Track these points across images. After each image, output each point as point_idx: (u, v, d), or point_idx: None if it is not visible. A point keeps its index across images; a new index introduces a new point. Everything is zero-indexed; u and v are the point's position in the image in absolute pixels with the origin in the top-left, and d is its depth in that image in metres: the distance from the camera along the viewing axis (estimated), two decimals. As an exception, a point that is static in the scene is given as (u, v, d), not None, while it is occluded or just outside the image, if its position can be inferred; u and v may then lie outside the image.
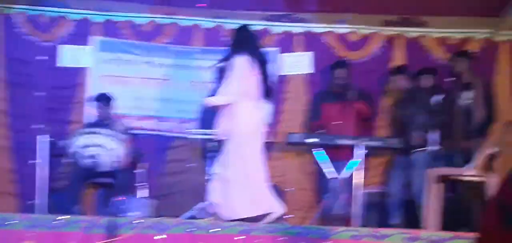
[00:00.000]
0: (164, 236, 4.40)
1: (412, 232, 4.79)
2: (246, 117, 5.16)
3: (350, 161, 5.89)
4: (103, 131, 5.96)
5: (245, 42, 5.25)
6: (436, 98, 5.98)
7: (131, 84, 6.86)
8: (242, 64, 5.11)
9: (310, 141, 6.08)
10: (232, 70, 5.10)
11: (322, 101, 6.47)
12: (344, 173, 5.94)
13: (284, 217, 5.32)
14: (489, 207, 0.78)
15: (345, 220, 5.93)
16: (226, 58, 5.22)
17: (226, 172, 5.11)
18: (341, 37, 6.93)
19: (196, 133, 6.04)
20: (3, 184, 6.57)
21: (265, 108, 5.32)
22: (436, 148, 5.92)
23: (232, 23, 6.87)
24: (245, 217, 5.00)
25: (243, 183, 5.06)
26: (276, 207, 5.14)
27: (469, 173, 5.28)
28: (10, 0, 6.71)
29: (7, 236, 4.29)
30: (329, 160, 6.12)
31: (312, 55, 6.88)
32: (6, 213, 4.51)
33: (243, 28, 5.39)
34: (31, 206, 5.28)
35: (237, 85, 5.09)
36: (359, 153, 5.79)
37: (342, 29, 6.92)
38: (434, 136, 5.94)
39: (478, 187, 5.57)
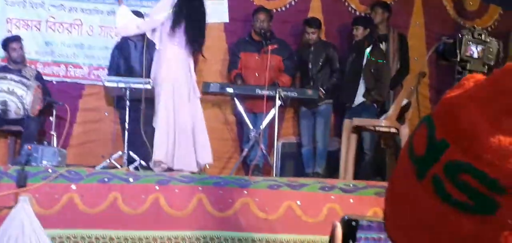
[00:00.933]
0: (75, 188, 4.25)
1: (328, 181, 4.87)
2: (172, 63, 5.10)
3: (268, 112, 5.87)
4: (12, 76, 5.65)
5: None
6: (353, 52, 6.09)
7: (39, 28, 6.52)
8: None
9: (228, 91, 6.01)
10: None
11: (240, 50, 6.40)
12: (262, 124, 5.93)
13: (204, 166, 5.31)
14: (401, 159, 0.75)
15: (263, 170, 5.96)
16: None
17: (156, 121, 5.09)
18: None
19: (110, 80, 5.82)
20: None
21: (191, 56, 5.27)
22: (350, 99, 6.03)
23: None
24: (178, 168, 4.98)
25: (173, 133, 5.04)
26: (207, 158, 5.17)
27: (383, 124, 5.41)
28: None
29: None
30: (247, 109, 6.11)
31: (228, 3, 6.76)
32: None
33: None
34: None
35: (154, 17, 5.14)
36: (276, 103, 5.77)
37: (259, -23, 6.83)
38: (348, 87, 6.04)
39: (391, 137, 5.74)
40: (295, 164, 6.27)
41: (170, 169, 5.00)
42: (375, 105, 5.92)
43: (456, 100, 0.72)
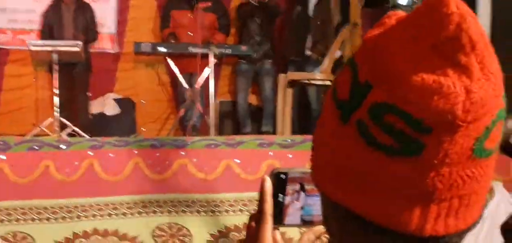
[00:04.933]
0: (5, 158, 4.07)
1: (265, 138, 4.84)
2: None
3: (202, 70, 5.78)
4: None
5: None
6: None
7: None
8: None
9: (160, 50, 5.87)
10: None
11: (172, 8, 6.25)
12: (197, 83, 5.85)
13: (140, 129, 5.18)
14: (326, 104, 0.73)
15: (201, 130, 5.90)
16: None
17: None
18: None
19: (36, 45, 5.58)
20: None
21: None
22: (295, 53, 6.00)
23: None
24: None
25: None
26: None
27: (318, 77, 5.41)
28: None
29: None
30: (181, 69, 5.99)
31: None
32: None
33: None
34: None
35: None
36: (211, 61, 5.69)
37: None
38: (284, 43, 6.01)
39: (326, 90, 5.76)
40: (233, 123, 6.24)
41: None
42: (320, 59, 5.91)
43: (378, 40, 0.69)
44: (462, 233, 0.70)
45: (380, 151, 0.67)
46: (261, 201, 0.93)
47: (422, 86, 0.64)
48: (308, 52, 5.92)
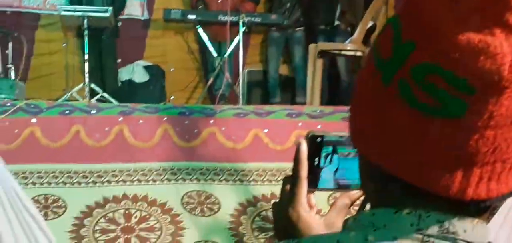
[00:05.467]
0: (35, 121, 4.11)
1: (295, 108, 4.82)
2: None
3: (231, 38, 5.75)
4: None
5: None
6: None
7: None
8: None
9: (190, 17, 5.84)
10: None
11: (201, -24, 6.22)
12: (226, 51, 5.82)
13: (169, 98, 5.17)
14: (366, 63, 0.71)
15: (229, 99, 5.89)
16: None
17: None
18: None
19: (67, 10, 5.58)
20: None
21: None
22: (315, 24, 5.94)
23: None
24: None
25: None
26: None
27: (349, 47, 5.35)
28: None
29: None
30: (210, 37, 5.97)
31: None
32: None
33: None
34: None
35: None
36: (241, 30, 5.65)
37: None
38: (313, 12, 5.94)
39: (357, 61, 5.70)
40: (262, 92, 6.21)
41: None
42: (349, 29, 5.85)
43: None
44: (504, 197, 0.69)
45: (422, 112, 0.66)
46: (295, 163, 0.92)
47: (467, 46, 0.62)
48: (336, 22, 5.85)
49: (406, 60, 0.66)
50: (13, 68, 5.65)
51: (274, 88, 6.11)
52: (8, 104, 4.17)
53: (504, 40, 0.62)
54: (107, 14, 5.48)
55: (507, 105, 0.63)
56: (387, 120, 0.69)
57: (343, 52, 5.42)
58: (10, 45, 5.78)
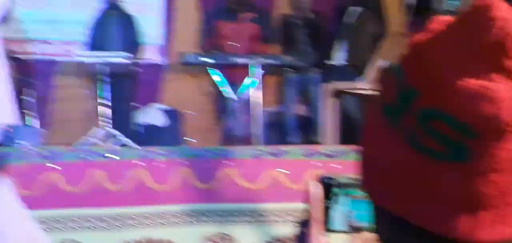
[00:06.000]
0: (58, 168, 4.18)
1: (310, 147, 4.86)
2: None
3: (247, 81, 5.83)
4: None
5: None
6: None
7: (9, 5, 6.37)
8: None
9: (205, 61, 5.93)
10: None
11: (216, 19, 6.31)
12: (242, 93, 5.89)
13: (185, 140, 5.21)
14: (371, 108, 0.74)
15: (245, 140, 5.93)
16: None
17: None
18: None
19: (82, 56, 5.70)
20: None
21: None
22: (329, 63, 6.01)
23: None
24: None
25: None
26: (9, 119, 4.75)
27: (362, 86, 5.40)
28: None
29: None
30: (226, 80, 6.05)
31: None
32: None
33: None
34: None
35: None
36: (255, 71, 5.73)
37: None
38: (326, 52, 6.02)
39: (367, 101, 5.74)
40: (279, 132, 6.25)
41: None
42: (353, 67, 5.91)
43: (423, 45, 0.70)
44: (511, 240, 0.69)
45: (427, 156, 0.67)
46: (309, 206, 0.94)
47: (467, 91, 0.64)
48: (345, 62, 5.92)
49: (410, 106, 0.68)
50: (34, 115, 5.77)
51: (291, 128, 6.16)
52: (29, 150, 4.26)
53: (502, 84, 0.64)
54: (123, 60, 5.58)
55: (508, 149, 0.65)
56: (393, 164, 0.70)
57: (356, 91, 5.47)
58: (31, 92, 5.91)
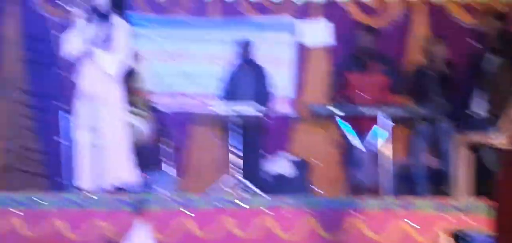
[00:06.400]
0: (191, 215, 4.36)
1: (442, 200, 4.72)
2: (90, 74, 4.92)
3: (376, 131, 5.78)
4: (129, 108, 5.92)
5: None
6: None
7: (149, 59, 6.80)
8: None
9: (335, 111, 5.96)
10: None
11: (345, 70, 6.35)
12: (370, 144, 5.85)
13: (313, 189, 5.21)
14: (506, 160, 0.73)
15: (373, 191, 5.86)
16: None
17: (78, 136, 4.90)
18: (362, 4, 6.80)
19: (218, 107, 5.94)
20: (30, 164, 6.56)
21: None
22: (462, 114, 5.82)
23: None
24: (90, 187, 4.76)
25: (90, 150, 4.80)
26: (126, 178, 4.86)
27: (499, 138, 5.17)
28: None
29: (36, 215, 4.29)
30: (354, 131, 6.05)
31: (332, 23, 6.77)
32: (35, 193, 4.49)
33: None
34: (59, 184, 5.24)
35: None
36: (385, 122, 5.67)
37: (362, -4, 6.81)
38: (459, 102, 5.84)
39: (504, 155, 5.47)
40: (408, 184, 6.11)
41: None
42: (494, 118, 5.67)
43: None
44: None
45: None
46: None
47: None
48: (484, 113, 5.68)
49: None
50: (170, 163, 6.08)
51: (421, 180, 6.00)
52: (166, 197, 4.49)
53: None
54: (255, 111, 5.76)
55: None
56: None
57: (491, 144, 5.24)
58: (168, 141, 6.24)
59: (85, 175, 4.76)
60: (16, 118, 6.64)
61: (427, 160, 6.02)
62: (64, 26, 5.66)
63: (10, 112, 6.64)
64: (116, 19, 4.90)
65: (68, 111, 5.25)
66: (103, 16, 4.90)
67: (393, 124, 5.88)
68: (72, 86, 5.02)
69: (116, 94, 4.91)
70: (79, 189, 4.79)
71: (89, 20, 4.97)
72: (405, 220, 4.40)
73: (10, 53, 6.66)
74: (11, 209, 4.34)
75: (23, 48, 6.67)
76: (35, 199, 4.39)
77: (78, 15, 4.96)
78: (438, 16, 6.74)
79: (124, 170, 4.81)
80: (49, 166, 6.51)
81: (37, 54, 6.51)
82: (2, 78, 6.65)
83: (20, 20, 6.69)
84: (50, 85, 6.45)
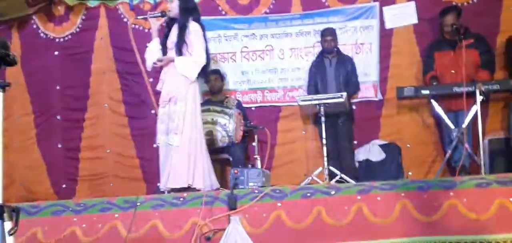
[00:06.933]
0: (284, 207, 4.38)
1: (544, 175, 4.49)
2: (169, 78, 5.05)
3: (469, 109, 5.60)
4: (215, 107, 6.04)
5: None
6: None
7: (234, 59, 6.90)
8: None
9: (424, 92, 5.84)
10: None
11: (434, 51, 6.19)
12: (464, 122, 5.67)
13: (407, 174, 5.11)
14: None
15: (471, 170, 5.69)
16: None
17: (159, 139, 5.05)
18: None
19: (304, 99, 5.94)
20: (130, 170, 6.82)
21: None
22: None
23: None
24: (167, 188, 4.91)
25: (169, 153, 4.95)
26: (198, 183, 4.95)
27: None
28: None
29: (136, 216, 4.44)
30: (445, 110, 5.89)
31: (416, 4, 6.60)
32: (134, 196, 4.65)
33: None
34: (158, 188, 5.41)
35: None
36: (477, 99, 5.48)
37: (446, -28, 6.59)
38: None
39: None
40: (505, 161, 5.87)
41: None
42: None
43: None
44: None
45: None
46: None
47: None
48: None
49: None
50: (259, 158, 6.15)
51: (520, 156, 5.75)
52: (256, 191, 4.53)
53: None
54: (342, 100, 5.71)
55: None
56: None
57: None
58: (256, 137, 6.31)
59: (163, 177, 4.95)
60: (112, 127, 6.91)
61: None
62: (147, 35, 5.89)
63: (105, 121, 6.92)
64: (192, 24, 5.03)
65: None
66: (180, 23, 5.05)
67: (486, 100, 5.68)
68: (158, 92, 5.20)
69: (196, 97, 5.05)
70: (165, 190, 4.96)
71: (168, 27, 5.15)
72: (506, 198, 4.21)
73: (102, 65, 6.94)
74: (110, 213, 4.51)
75: (114, 59, 6.93)
76: (130, 201, 4.54)
77: (157, 24, 5.16)
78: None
79: (198, 174, 4.96)
80: (146, 171, 6.74)
81: (126, 65, 6.74)
82: (94, 90, 6.94)
83: (110, 34, 6.95)
84: (140, 93, 6.67)
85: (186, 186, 4.90)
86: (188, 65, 4.99)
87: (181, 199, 4.49)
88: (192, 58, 5.00)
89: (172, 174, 4.91)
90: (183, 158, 4.92)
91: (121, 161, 6.84)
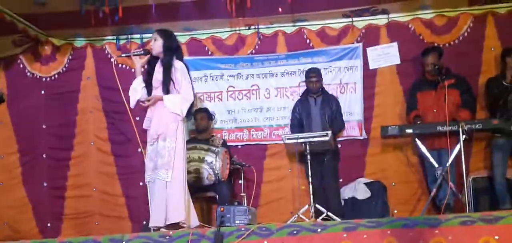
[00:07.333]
0: (266, 242, 4.38)
1: (526, 213, 4.55)
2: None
3: (452, 148, 5.69)
4: (202, 145, 6.07)
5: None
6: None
7: (221, 98, 6.96)
8: None
9: (408, 131, 5.92)
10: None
11: (417, 91, 6.30)
12: (448, 161, 5.75)
13: (392, 212, 5.16)
14: None
15: (455, 209, 5.75)
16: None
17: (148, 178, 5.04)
18: (428, 23, 6.74)
19: (290, 138, 5.99)
20: (116, 208, 6.80)
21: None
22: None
23: (312, 25, 6.87)
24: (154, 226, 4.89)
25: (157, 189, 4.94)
26: (186, 219, 4.93)
27: None
28: (98, 33, 6.94)
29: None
30: (429, 149, 5.97)
31: (398, 45, 6.73)
32: (120, 234, 4.62)
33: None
34: (144, 226, 5.39)
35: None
36: (461, 138, 5.57)
37: (427, 14, 6.72)
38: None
39: None
40: (489, 199, 5.94)
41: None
42: None
43: None
44: None
45: None
46: None
47: None
48: None
49: None
50: (245, 196, 6.17)
51: (503, 194, 5.82)
52: (243, 229, 4.53)
53: None
54: (327, 138, 5.77)
55: None
56: None
57: None
58: (242, 175, 6.34)
59: (154, 214, 4.93)
60: (98, 166, 6.90)
61: (507, 172, 5.84)
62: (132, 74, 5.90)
63: (91, 160, 6.92)
64: (177, 63, 5.06)
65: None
66: (164, 62, 5.07)
67: (470, 139, 5.77)
68: (144, 131, 5.20)
69: (184, 134, 5.06)
70: (153, 228, 4.94)
71: (150, 65, 5.17)
72: (491, 236, 4.26)
73: (88, 104, 6.95)
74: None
75: (100, 98, 6.95)
76: (115, 240, 4.52)
77: (140, 62, 5.18)
78: (506, 26, 6.58)
79: (181, 210, 4.94)
80: (132, 209, 6.72)
81: (112, 104, 6.75)
82: (81, 129, 6.94)
83: (97, 73, 6.98)
84: (127, 132, 6.68)
85: (183, 219, 4.88)
86: (177, 102, 5.00)
87: (167, 237, 4.47)
88: (180, 95, 5.02)
89: (171, 210, 4.88)
90: (180, 192, 4.91)
91: (107, 199, 6.82)
